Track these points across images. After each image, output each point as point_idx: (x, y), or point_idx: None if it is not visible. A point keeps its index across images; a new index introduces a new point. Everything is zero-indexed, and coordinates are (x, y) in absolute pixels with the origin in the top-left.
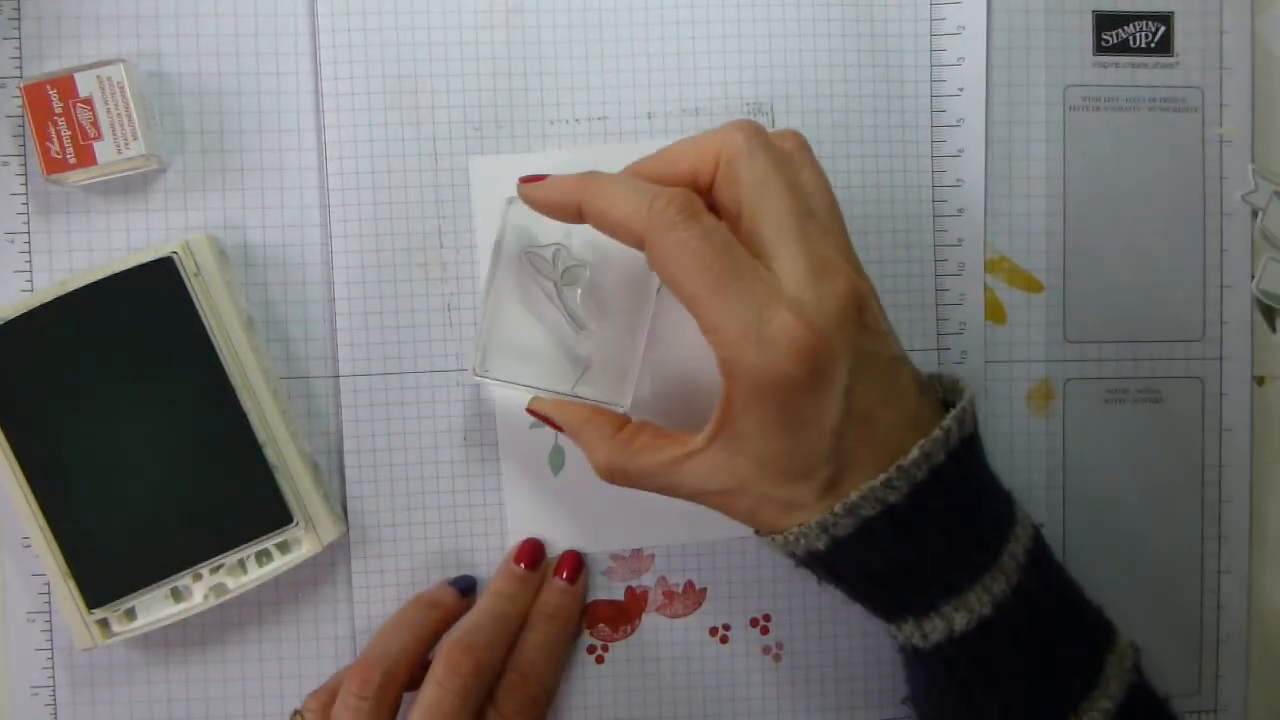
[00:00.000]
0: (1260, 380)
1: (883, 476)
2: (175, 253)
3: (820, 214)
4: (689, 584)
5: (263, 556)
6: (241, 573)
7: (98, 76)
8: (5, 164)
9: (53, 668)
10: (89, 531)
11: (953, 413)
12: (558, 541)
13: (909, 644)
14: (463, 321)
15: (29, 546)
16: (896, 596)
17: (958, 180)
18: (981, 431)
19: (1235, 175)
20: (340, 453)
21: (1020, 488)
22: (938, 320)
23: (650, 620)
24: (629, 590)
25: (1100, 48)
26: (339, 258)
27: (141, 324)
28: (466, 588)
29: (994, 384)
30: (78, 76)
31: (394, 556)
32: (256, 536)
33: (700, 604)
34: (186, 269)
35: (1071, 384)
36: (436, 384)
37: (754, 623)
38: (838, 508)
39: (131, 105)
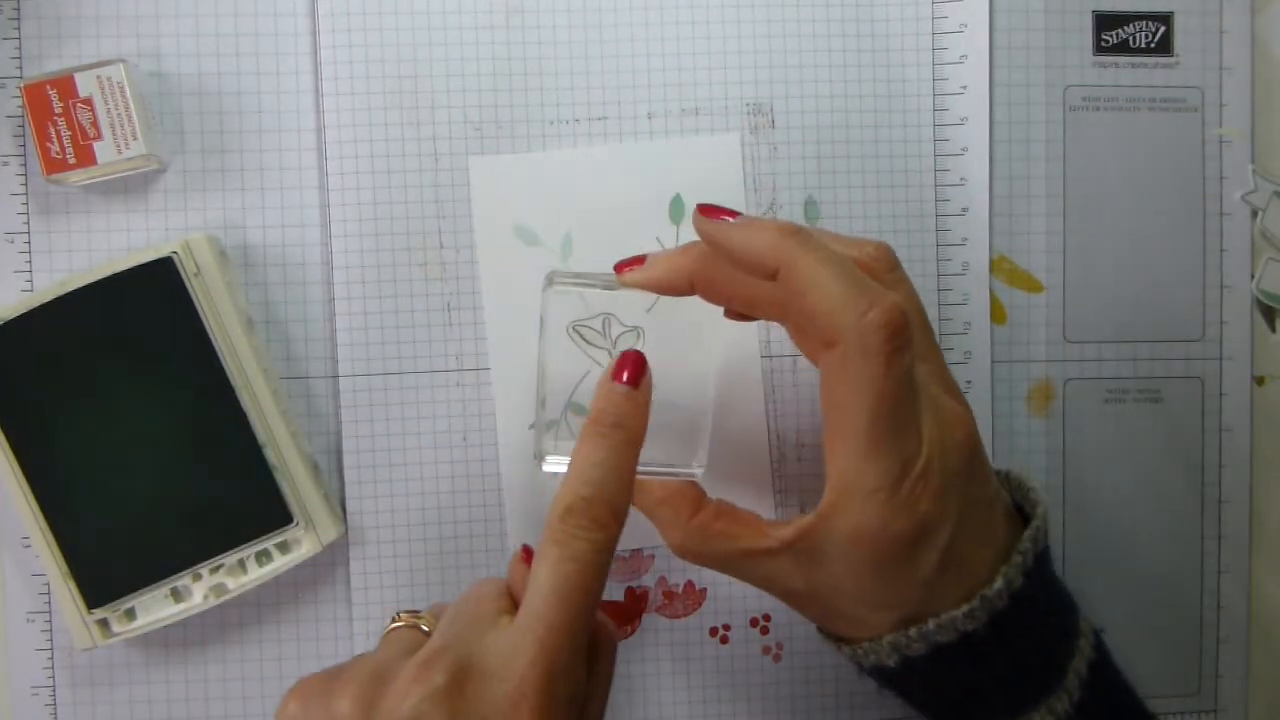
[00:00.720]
0: (1260, 380)
1: (965, 608)
2: (175, 253)
3: (934, 352)
4: (689, 584)
5: (263, 556)
6: (241, 573)
7: (98, 76)
8: (5, 164)
9: (53, 668)
10: (89, 531)
11: (1027, 533)
12: None
13: None
14: (462, 321)
15: (29, 546)
16: (962, 715)
17: (961, 179)
18: (981, 432)
19: (1235, 175)
20: (340, 453)
21: None
22: (941, 320)
23: (650, 620)
24: (629, 590)
25: (1100, 48)
26: (339, 257)
27: (141, 324)
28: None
29: (994, 384)
30: (78, 76)
31: (393, 557)
32: (256, 536)
33: (700, 604)
34: (186, 269)
35: (1071, 384)
36: (436, 384)
37: (754, 623)
38: (912, 631)
39: (131, 105)
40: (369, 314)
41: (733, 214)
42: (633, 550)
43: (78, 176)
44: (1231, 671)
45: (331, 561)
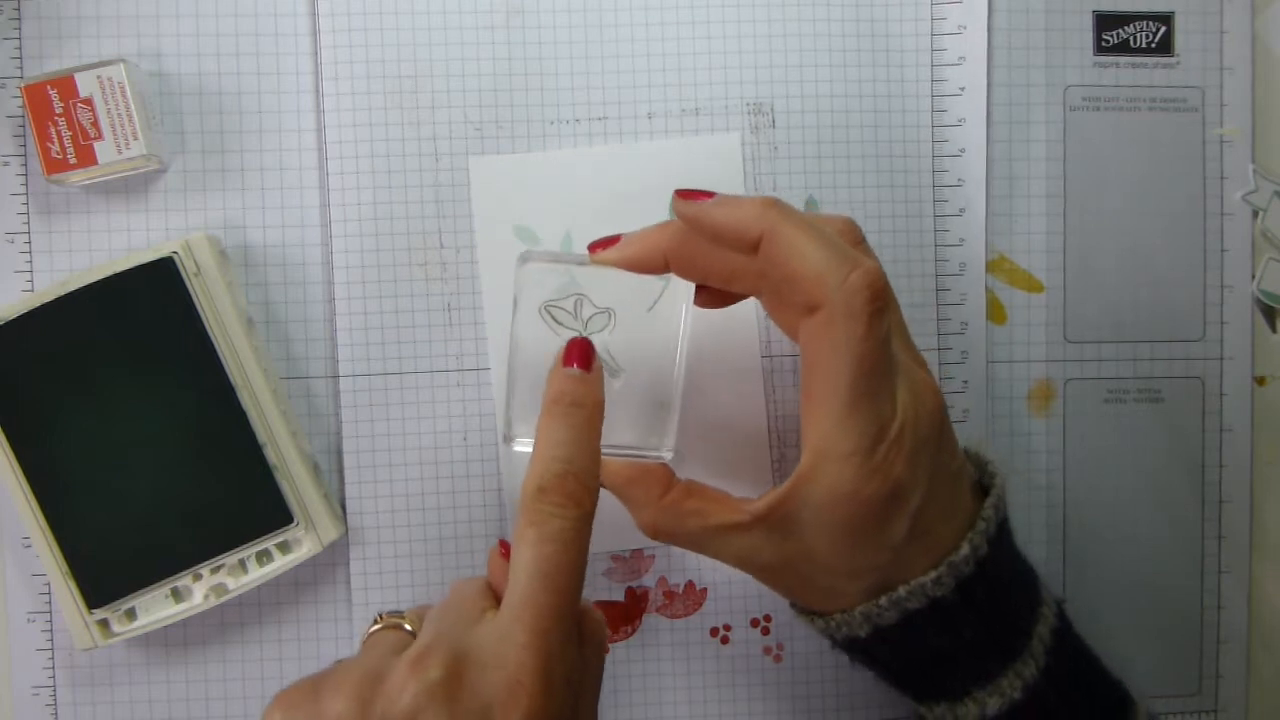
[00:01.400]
0: (1260, 380)
1: (933, 574)
2: (175, 253)
3: (902, 325)
4: (689, 584)
5: (263, 556)
6: (241, 573)
7: (98, 76)
8: (6, 164)
9: (53, 668)
10: (89, 531)
11: (989, 501)
12: None
13: None
14: (462, 322)
15: (29, 546)
16: (931, 682)
17: (959, 180)
18: (982, 432)
19: (1235, 175)
20: (340, 453)
21: (1020, 488)
22: (938, 320)
23: (651, 621)
24: (629, 591)
25: (1100, 48)
26: (339, 258)
27: (141, 324)
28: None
29: (994, 384)
30: (78, 76)
31: (393, 558)
32: (256, 536)
33: (701, 604)
34: (186, 269)
35: (1071, 384)
36: (436, 384)
37: (754, 623)
38: (883, 600)
39: (132, 105)
40: (369, 314)
41: (709, 195)
42: (633, 550)
43: (78, 176)
44: (1231, 671)
45: (331, 561)
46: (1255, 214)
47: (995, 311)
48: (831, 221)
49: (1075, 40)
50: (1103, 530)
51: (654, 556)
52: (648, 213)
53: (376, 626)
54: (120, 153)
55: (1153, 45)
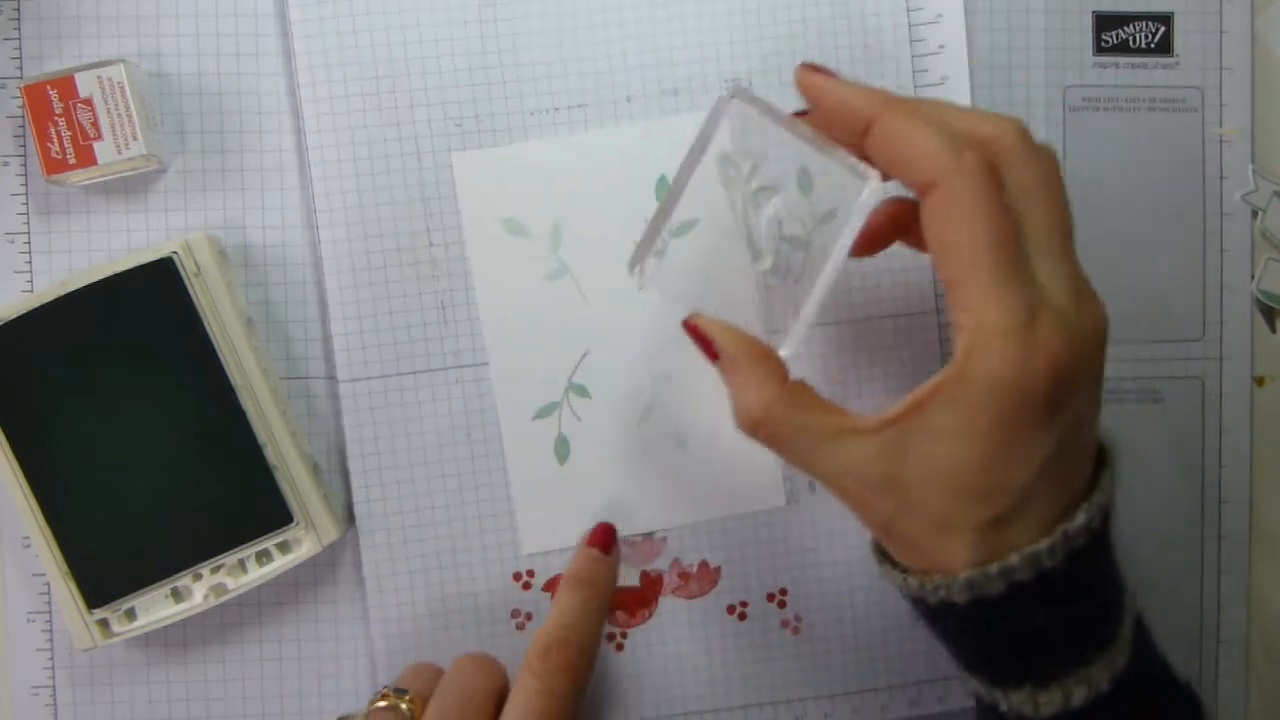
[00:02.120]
0: (1260, 380)
1: (1047, 542)
2: (175, 253)
3: (1071, 239)
4: (703, 563)
5: (263, 557)
6: (241, 573)
7: (98, 76)
8: (5, 164)
9: (53, 668)
10: (89, 531)
11: (1106, 474)
12: (569, 531)
13: (1015, 713)
14: (457, 319)
15: (29, 546)
16: (1019, 664)
17: None
18: None
19: (1235, 175)
20: (340, 453)
21: None
22: (939, 312)
23: (667, 603)
24: (644, 575)
25: (1100, 48)
26: (329, 263)
27: (141, 324)
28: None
29: None
30: (78, 76)
31: (405, 559)
32: (256, 537)
33: (716, 582)
34: (186, 269)
35: None
36: (436, 383)
37: (771, 597)
38: (993, 568)
39: (131, 105)
40: (363, 318)
41: (830, 73)
42: (644, 534)
43: (78, 177)
44: (1231, 671)
45: (331, 562)
46: (1255, 214)
47: None
48: (984, 118)
49: (1075, 40)
50: None
51: (665, 539)
52: (634, 196)
53: (381, 704)
54: (120, 153)
55: (1152, 45)
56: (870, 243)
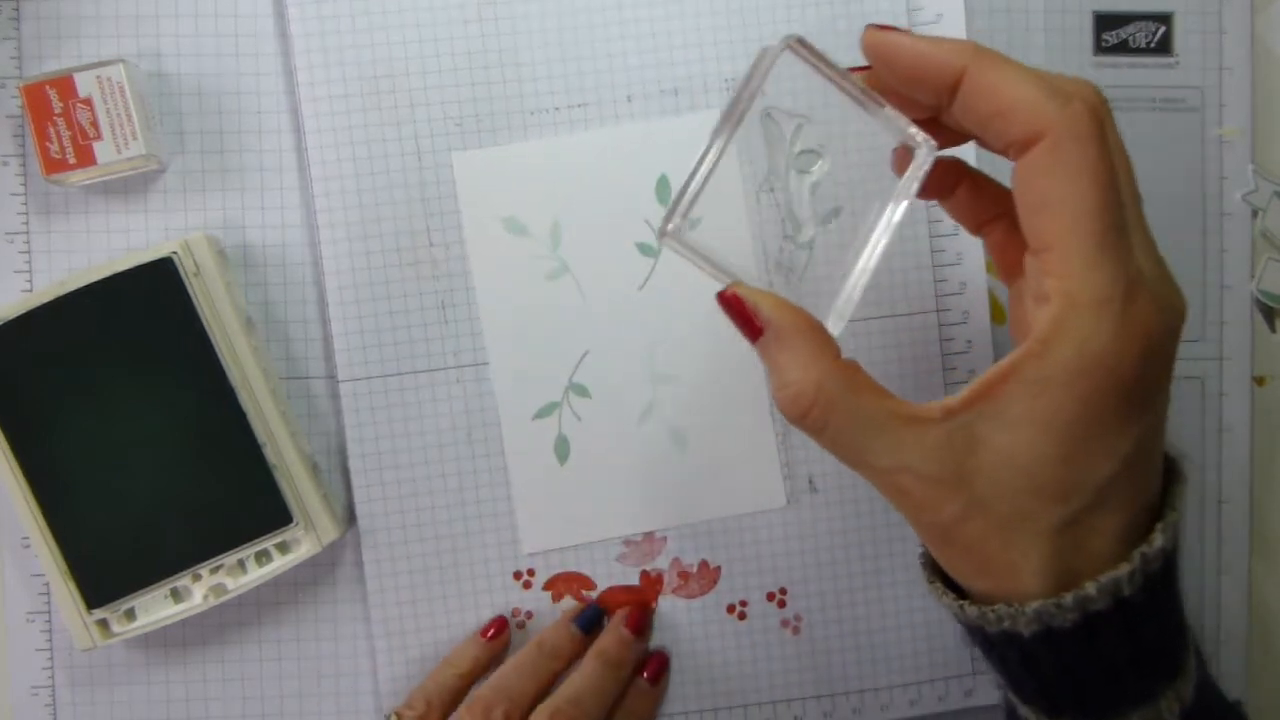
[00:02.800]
0: (1260, 380)
1: (1126, 567)
2: (175, 253)
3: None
4: (703, 563)
5: (262, 557)
6: (241, 573)
7: (98, 76)
8: (5, 164)
9: (53, 668)
10: (89, 531)
11: (1179, 491)
12: (570, 530)
13: None
14: (457, 318)
15: (29, 546)
16: (1084, 697)
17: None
18: None
19: (1235, 175)
20: (340, 453)
21: None
22: (939, 312)
23: (667, 603)
24: (644, 574)
25: (1100, 48)
26: (329, 263)
27: (141, 324)
28: (589, 624)
29: None
30: (77, 76)
31: (405, 559)
32: (256, 537)
33: (715, 582)
34: (186, 269)
35: None
36: (436, 382)
37: (770, 596)
38: (1068, 600)
39: (131, 105)
40: (364, 318)
41: (906, 31)
42: (644, 534)
43: (77, 176)
44: (1231, 671)
45: (331, 562)
46: (1255, 214)
47: (994, 312)
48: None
49: (1075, 40)
50: None
51: (666, 539)
52: (634, 195)
53: None
54: (119, 153)
55: (1152, 45)
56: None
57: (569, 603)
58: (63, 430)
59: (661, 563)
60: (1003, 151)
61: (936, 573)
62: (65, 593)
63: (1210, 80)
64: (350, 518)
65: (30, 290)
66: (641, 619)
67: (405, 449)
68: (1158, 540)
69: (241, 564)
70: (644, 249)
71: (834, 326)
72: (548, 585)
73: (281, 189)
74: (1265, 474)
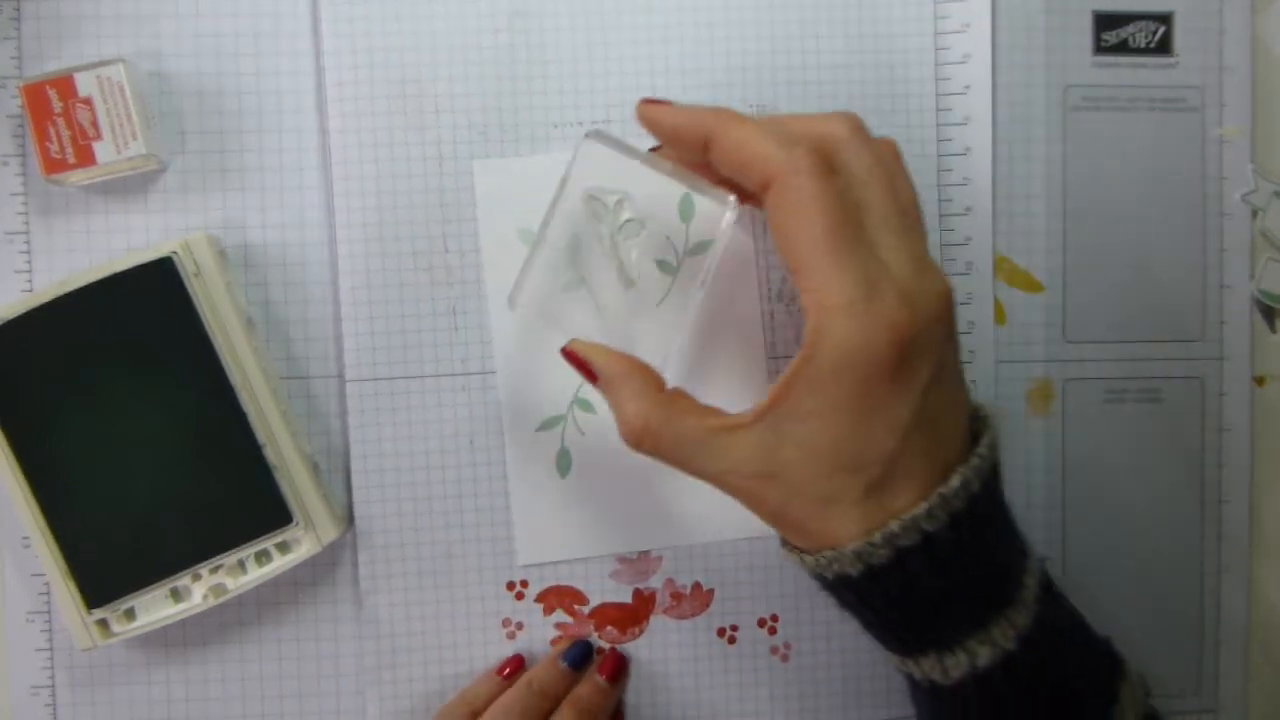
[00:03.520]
0: (1260, 380)
1: (924, 506)
2: (175, 253)
3: (913, 217)
4: (696, 585)
5: (262, 557)
6: (241, 573)
7: (98, 76)
8: (5, 164)
9: (53, 668)
10: (89, 531)
11: (984, 440)
12: (567, 544)
13: (927, 680)
14: (468, 325)
15: (29, 546)
16: (921, 630)
17: (964, 179)
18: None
19: (1235, 175)
20: (342, 454)
21: (1020, 488)
22: None
23: (658, 622)
24: (636, 592)
25: (1100, 48)
26: (344, 262)
27: (141, 324)
28: (578, 660)
29: (994, 384)
30: (78, 76)
31: (400, 561)
32: (256, 537)
33: (708, 605)
34: (186, 269)
35: (1071, 384)
36: (443, 388)
37: (761, 623)
38: (877, 536)
39: (131, 105)
40: (374, 319)
41: (668, 103)
42: (640, 552)
43: (77, 176)
44: (1231, 671)
45: (331, 562)
46: (1254, 214)
47: (995, 311)
48: (818, 121)
49: (1075, 40)
50: (1102, 530)
51: (661, 558)
52: (656, 214)
53: None
54: (119, 152)
55: (1152, 45)
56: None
57: (560, 616)
58: (63, 430)
59: (655, 582)
60: (756, 197)
61: (787, 541)
62: (65, 593)
63: (1210, 80)
64: (350, 518)
65: (30, 290)
66: (617, 665)
67: (407, 453)
68: (954, 481)
69: (241, 564)
70: (663, 266)
71: (665, 371)
72: (540, 598)
73: (282, 189)
74: (1265, 474)
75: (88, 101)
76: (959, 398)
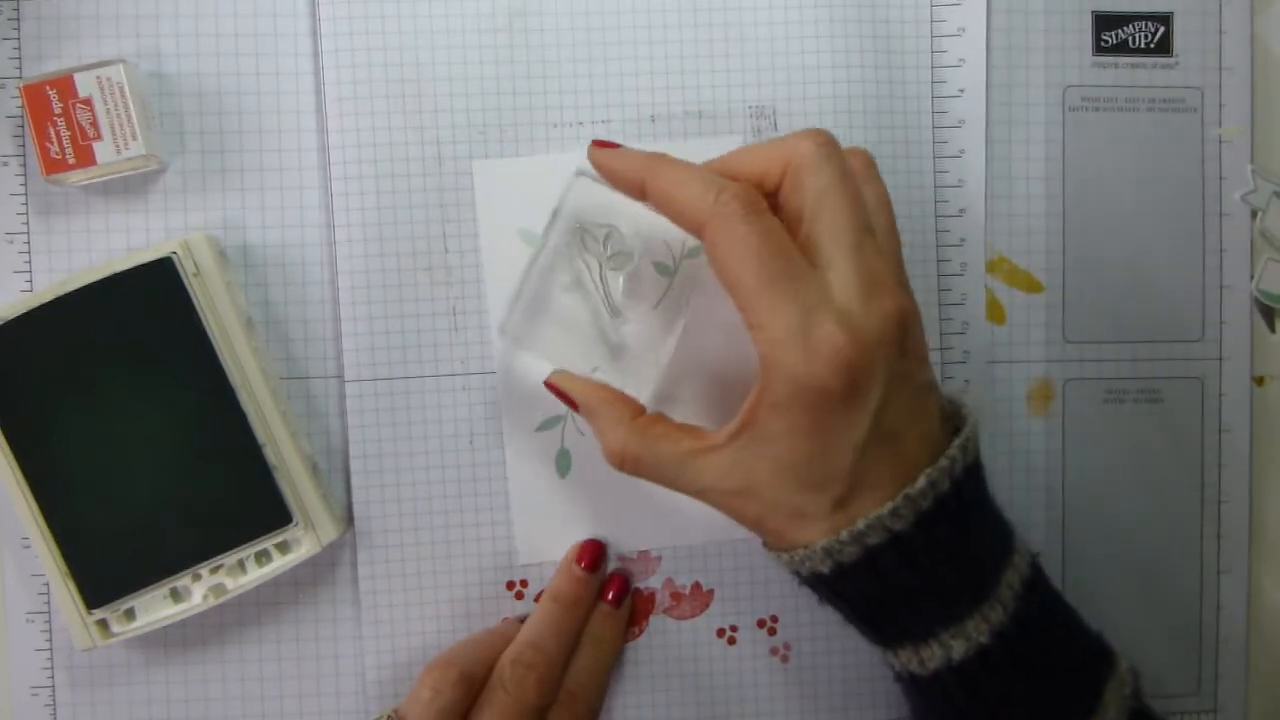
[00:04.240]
0: (1260, 380)
1: (889, 506)
2: (175, 253)
3: (879, 231)
4: (696, 585)
5: (262, 557)
6: (241, 573)
7: (97, 76)
8: (5, 164)
9: (52, 668)
10: (89, 531)
11: (956, 441)
12: (567, 544)
13: (906, 671)
14: (467, 325)
15: (29, 546)
16: (896, 623)
17: (959, 181)
18: (981, 433)
19: (1235, 175)
20: (341, 454)
21: (1020, 488)
22: (940, 320)
23: (658, 622)
24: (636, 592)
25: (1100, 48)
26: (343, 263)
27: (141, 324)
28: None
29: (993, 384)
30: (77, 76)
31: (400, 561)
32: (256, 537)
33: (707, 605)
34: (186, 269)
35: (1071, 384)
36: (442, 388)
37: (761, 623)
38: (844, 534)
39: (131, 105)
40: (374, 319)
41: (616, 146)
42: (639, 552)
43: (77, 176)
44: (1231, 671)
45: (331, 562)
46: (1254, 214)
47: (995, 312)
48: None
49: (1074, 40)
50: (1102, 530)
51: (660, 558)
52: (652, 216)
53: None
54: (119, 153)
55: (1152, 45)
56: None
57: None
58: (63, 430)
59: (655, 582)
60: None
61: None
62: (65, 593)
63: (1210, 80)
64: (350, 518)
65: (30, 290)
66: (595, 552)
67: (407, 453)
68: (920, 482)
69: (241, 564)
70: (660, 268)
71: (646, 393)
72: (539, 597)
73: (282, 189)
74: (1265, 474)
75: (88, 102)
76: (924, 406)
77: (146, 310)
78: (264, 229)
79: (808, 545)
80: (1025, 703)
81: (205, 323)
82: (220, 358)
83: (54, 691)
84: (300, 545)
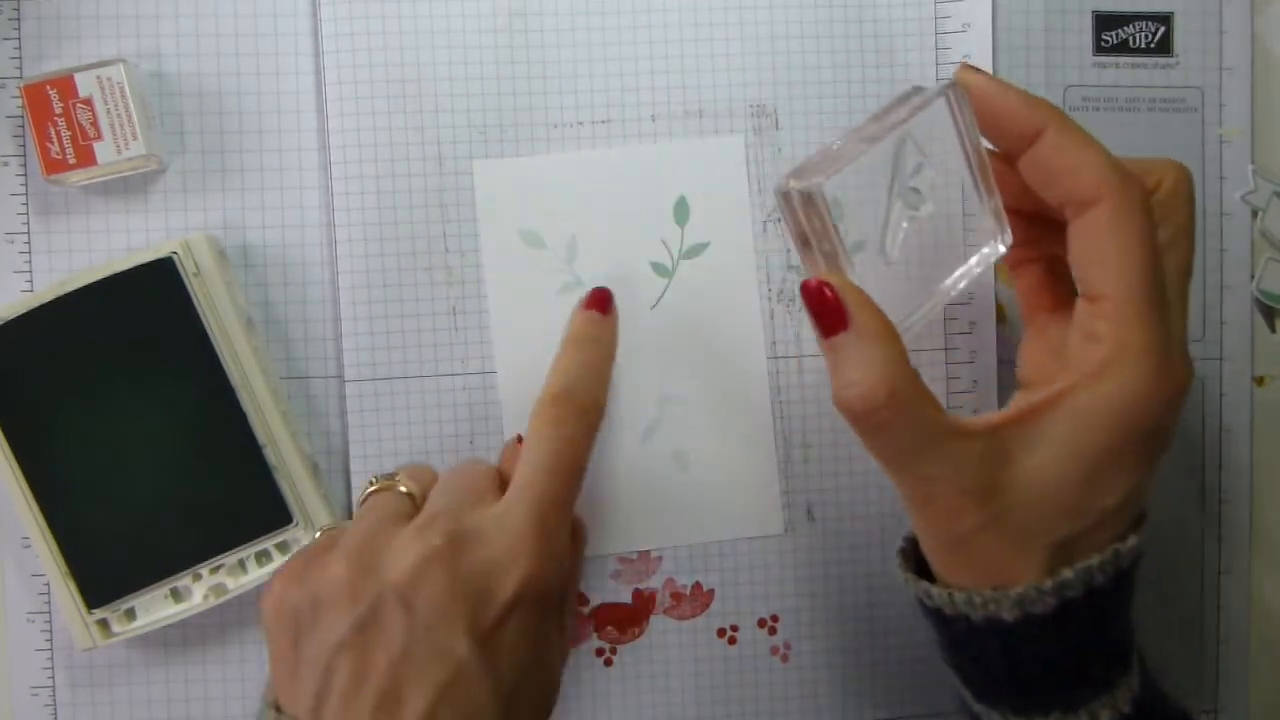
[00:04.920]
0: (1260, 380)
1: (1098, 559)
2: (175, 253)
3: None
4: (696, 585)
5: (262, 557)
6: (241, 573)
7: (98, 76)
8: (5, 164)
9: (53, 668)
10: (89, 531)
11: (1142, 516)
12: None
13: None
14: (468, 325)
15: (29, 546)
16: (1053, 687)
17: None
18: None
19: (1235, 175)
20: (341, 454)
21: None
22: (945, 320)
23: (658, 622)
24: (636, 592)
25: (1100, 48)
26: (344, 262)
27: (141, 324)
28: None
29: (996, 385)
30: (78, 76)
31: None
32: (256, 537)
33: (708, 605)
34: (186, 269)
35: None
36: (442, 388)
37: (762, 623)
38: (1048, 584)
39: (131, 105)
40: (374, 319)
41: (993, 78)
42: (639, 552)
43: (77, 176)
44: (1231, 671)
45: None
46: (1254, 214)
47: (998, 312)
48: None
49: (1075, 40)
50: None
51: (661, 558)
52: (652, 215)
53: (373, 488)
54: (119, 153)
55: (1152, 45)
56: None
57: None
58: (63, 430)
59: (655, 582)
60: (1060, 206)
61: (912, 569)
62: (65, 593)
63: (1210, 80)
64: (350, 518)
65: (30, 290)
66: (602, 295)
67: (407, 453)
68: (1131, 540)
69: (241, 564)
70: (659, 269)
71: (904, 330)
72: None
73: (282, 188)
74: (1265, 474)
75: (88, 102)
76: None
77: (147, 310)
78: (264, 229)
79: (1003, 585)
80: None
81: (205, 323)
82: (220, 358)
83: (54, 691)
84: (300, 545)
